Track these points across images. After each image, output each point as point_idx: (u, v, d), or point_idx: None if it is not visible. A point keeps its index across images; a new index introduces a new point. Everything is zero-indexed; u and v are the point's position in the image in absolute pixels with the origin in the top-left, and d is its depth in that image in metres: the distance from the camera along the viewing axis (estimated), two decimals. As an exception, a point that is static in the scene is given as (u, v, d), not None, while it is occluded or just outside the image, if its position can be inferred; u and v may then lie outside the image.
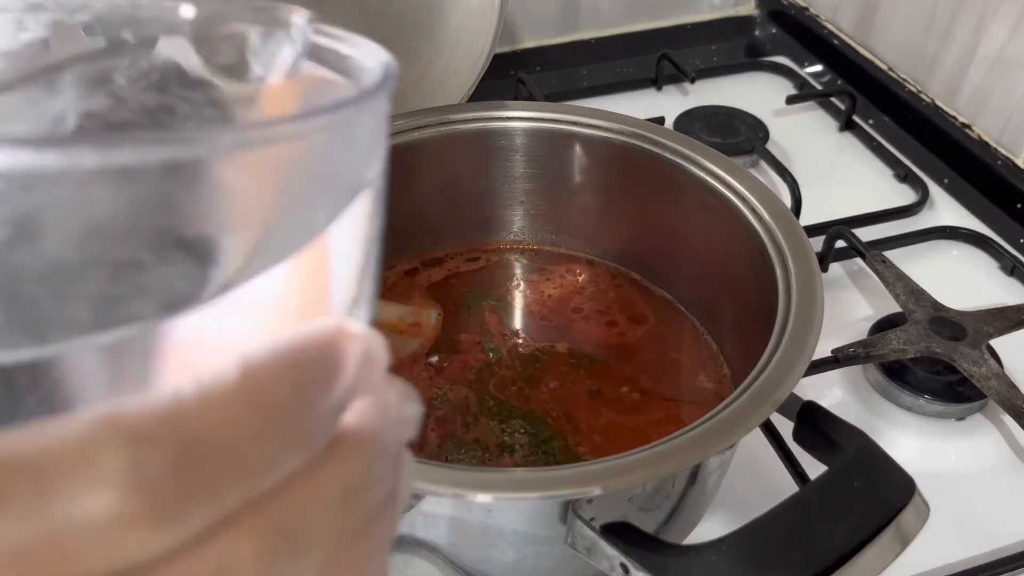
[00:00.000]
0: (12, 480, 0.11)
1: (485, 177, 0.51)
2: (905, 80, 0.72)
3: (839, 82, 0.75)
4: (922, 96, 0.70)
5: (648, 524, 0.36)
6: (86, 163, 0.11)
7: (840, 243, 0.57)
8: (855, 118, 0.69)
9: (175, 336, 0.13)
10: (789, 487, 0.43)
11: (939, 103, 0.69)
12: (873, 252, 0.56)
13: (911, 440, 0.47)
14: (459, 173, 0.51)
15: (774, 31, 0.82)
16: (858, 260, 0.57)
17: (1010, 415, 0.46)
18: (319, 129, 0.13)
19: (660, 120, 0.67)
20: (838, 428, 0.35)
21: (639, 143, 0.47)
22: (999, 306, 0.51)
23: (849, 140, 0.69)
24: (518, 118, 0.49)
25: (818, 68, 0.77)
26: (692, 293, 0.49)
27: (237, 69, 0.18)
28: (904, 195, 0.63)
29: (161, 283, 0.12)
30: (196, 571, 0.12)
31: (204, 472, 0.12)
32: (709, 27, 0.82)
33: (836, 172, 0.66)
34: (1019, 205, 0.62)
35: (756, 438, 0.46)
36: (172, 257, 0.12)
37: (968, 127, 0.67)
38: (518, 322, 0.50)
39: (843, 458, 0.33)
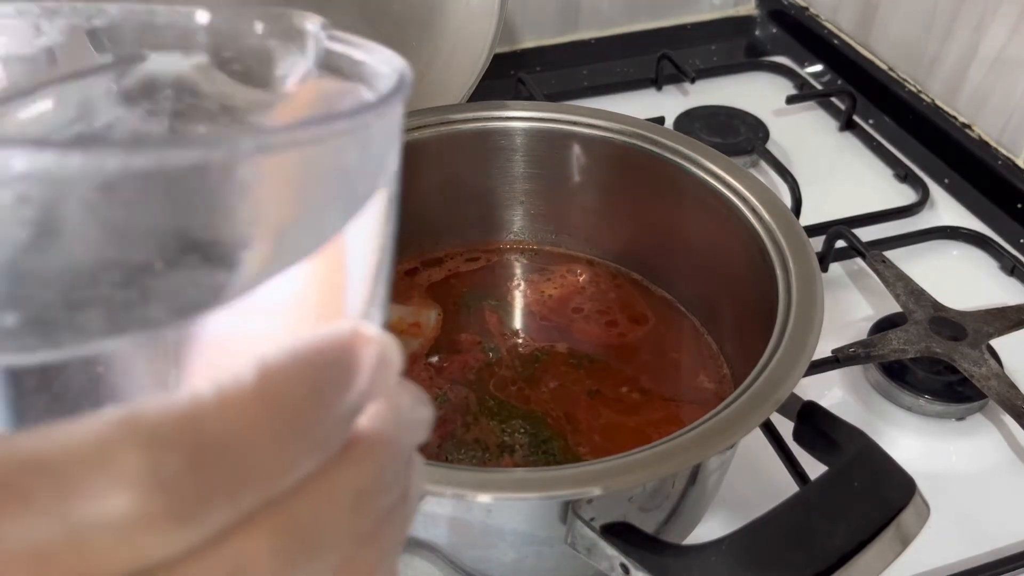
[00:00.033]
0: (33, 480, 0.11)
1: (485, 177, 0.51)
2: (905, 80, 0.72)
3: (839, 82, 0.75)
4: (922, 96, 0.70)
5: (648, 524, 0.36)
6: (110, 165, 0.11)
7: (840, 243, 0.57)
8: (855, 118, 0.69)
9: (195, 338, 0.13)
10: (789, 487, 0.43)
11: (939, 103, 0.69)
12: (873, 252, 0.56)
13: (911, 440, 0.47)
14: (459, 173, 0.51)
15: (774, 31, 0.82)
16: (858, 260, 0.57)
17: (1010, 415, 0.46)
18: (337, 133, 0.13)
19: (660, 120, 0.67)
20: (838, 428, 0.35)
21: (639, 143, 0.47)
22: (999, 306, 0.51)
23: (849, 140, 0.69)
24: (518, 118, 0.49)
25: (818, 68, 0.77)
26: (692, 293, 0.49)
27: (251, 75, 0.18)
28: (904, 195, 0.63)
29: (179, 286, 0.13)
30: (213, 571, 0.12)
31: (222, 473, 0.12)
32: (709, 27, 0.82)
33: (836, 172, 0.66)
34: (1019, 205, 0.62)
35: (756, 438, 0.46)
36: (192, 260, 0.13)
37: (968, 127, 0.67)
38: (518, 322, 0.50)
39: (843, 458, 0.33)
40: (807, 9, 0.81)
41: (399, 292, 0.51)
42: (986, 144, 0.65)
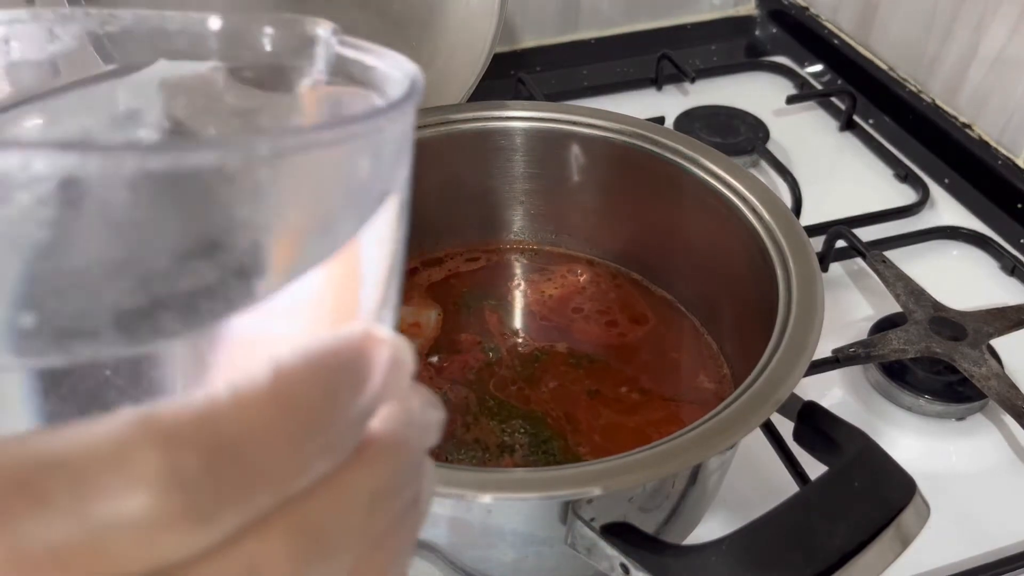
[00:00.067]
0: (51, 479, 0.11)
1: (485, 177, 0.51)
2: (905, 80, 0.72)
3: (839, 82, 0.75)
4: (922, 96, 0.70)
5: (648, 524, 0.35)
6: (128, 167, 0.11)
7: (840, 243, 0.57)
8: (855, 118, 0.69)
9: (213, 340, 0.13)
10: (789, 487, 0.43)
11: (939, 103, 0.69)
12: (873, 252, 0.56)
13: (911, 440, 0.47)
14: (459, 173, 0.51)
15: (774, 31, 0.82)
16: (858, 260, 0.57)
17: (1010, 415, 0.46)
18: (351, 137, 0.13)
19: (660, 120, 0.67)
20: (838, 428, 0.35)
21: (639, 143, 0.47)
22: (999, 306, 0.51)
23: (849, 140, 0.69)
24: (518, 118, 0.49)
25: (818, 68, 0.77)
26: (692, 293, 0.49)
27: (263, 81, 0.18)
28: (904, 195, 0.63)
29: (199, 292, 0.13)
30: (229, 571, 0.12)
31: (238, 473, 0.12)
32: (709, 27, 0.82)
33: (836, 172, 0.66)
34: (1019, 205, 0.62)
35: (756, 438, 0.46)
36: (211, 265, 0.13)
37: (968, 127, 0.67)
38: (518, 322, 0.50)
39: (843, 458, 0.33)
40: (807, 9, 0.81)
41: (399, 292, 0.51)
42: (986, 144, 0.65)
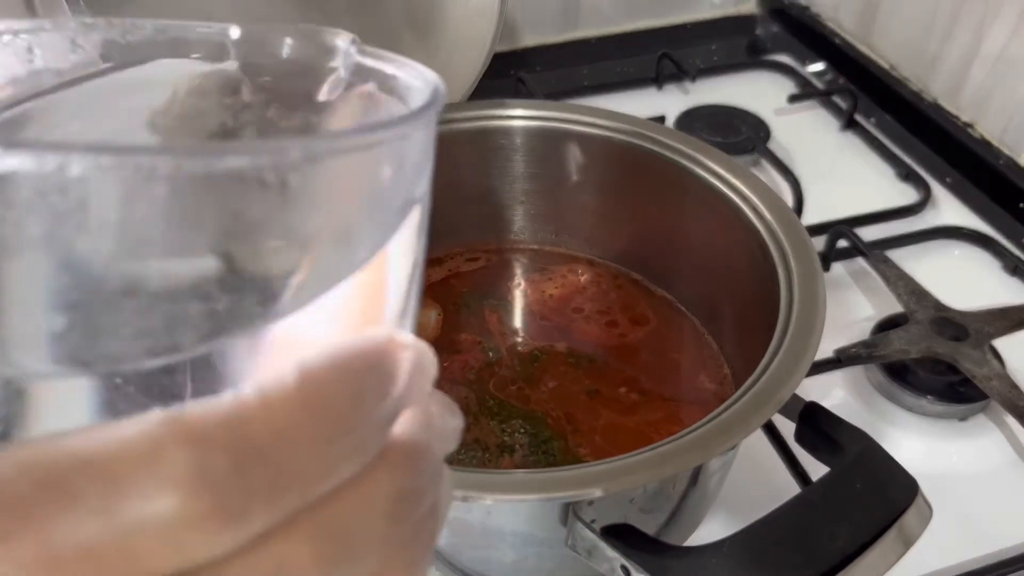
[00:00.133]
0: (81, 479, 0.11)
1: (485, 177, 0.51)
2: (907, 79, 0.72)
3: (841, 81, 0.75)
4: (924, 95, 0.70)
5: (649, 526, 0.35)
6: (162, 169, 0.11)
7: (842, 243, 0.56)
8: (857, 117, 0.69)
9: (245, 349, 0.13)
10: (791, 488, 0.43)
11: (941, 102, 0.69)
12: (875, 252, 0.55)
13: (913, 441, 0.47)
14: (459, 173, 0.51)
15: (775, 30, 0.82)
16: (860, 260, 0.57)
17: (1012, 415, 0.45)
18: (378, 142, 0.14)
19: (661, 119, 0.67)
20: (840, 429, 0.35)
21: (640, 142, 0.47)
22: (1002, 306, 0.51)
23: (851, 139, 0.69)
24: (518, 117, 0.49)
25: (820, 67, 0.77)
26: (693, 293, 0.49)
27: (283, 90, 0.18)
28: (906, 194, 0.63)
29: (233, 300, 0.13)
30: (256, 572, 0.12)
31: (265, 474, 0.12)
32: (710, 26, 0.82)
33: (838, 171, 0.66)
34: (1021, 204, 0.61)
35: (758, 439, 0.45)
36: (244, 273, 0.13)
37: (970, 126, 0.67)
38: (518, 322, 0.49)
39: (845, 459, 0.33)
40: (808, 8, 0.81)
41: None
42: (988, 143, 0.65)
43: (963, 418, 0.48)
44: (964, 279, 0.57)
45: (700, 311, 0.49)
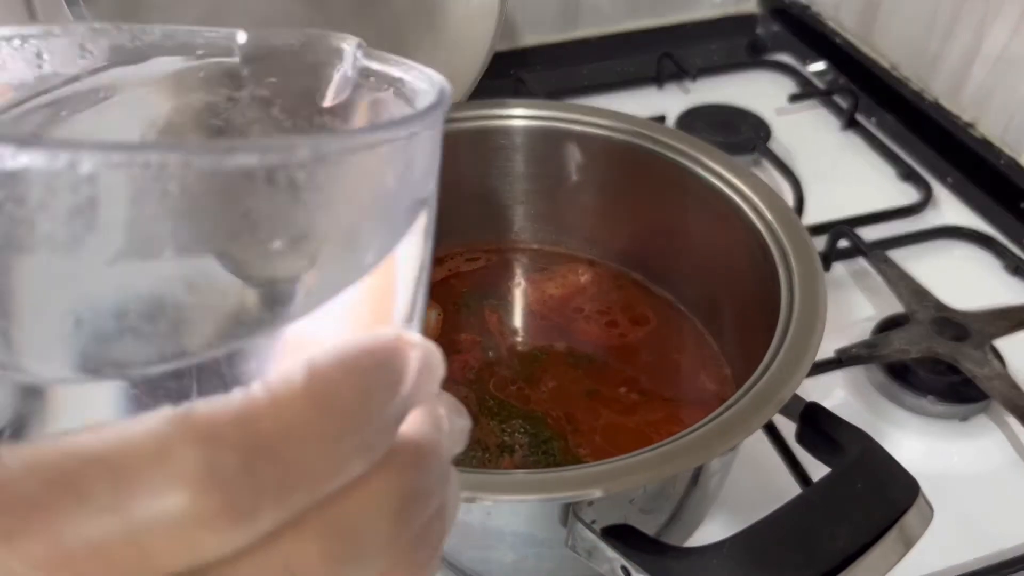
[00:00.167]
0: (92, 476, 0.11)
1: (485, 177, 0.51)
2: (908, 79, 0.71)
3: (841, 80, 0.75)
4: (925, 95, 0.70)
5: (649, 527, 0.35)
6: (173, 165, 0.11)
7: (843, 242, 0.56)
8: (858, 117, 0.69)
9: (256, 350, 0.13)
10: (792, 489, 0.43)
11: (942, 102, 0.69)
12: (876, 252, 0.55)
13: (914, 441, 0.47)
14: (459, 173, 0.51)
15: (776, 29, 0.82)
16: (861, 260, 0.57)
17: (1014, 416, 0.45)
18: (386, 140, 0.14)
19: (661, 119, 0.67)
20: (841, 429, 0.35)
21: (640, 142, 0.47)
22: (1003, 306, 0.51)
23: (852, 139, 0.69)
24: (518, 117, 0.49)
25: (820, 66, 0.77)
26: (694, 293, 0.49)
27: (290, 94, 0.18)
28: (907, 194, 0.63)
29: (247, 302, 0.13)
30: (265, 571, 0.12)
31: (274, 472, 0.12)
32: (711, 25, 0.82)
33: (839, 171, 0.66)
34: (1022, 204, 0.61)
35: (758, 440, 0.45)
36: (251, 276, 0.13)
37: (971, 126, 0.67)
38: (518, 322, 0.49)
39: (846, 460, 0.32)
40: (809, 7, 0.81)
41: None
42: (989, 143, 0.65)
43: (964, 418, 0.48)
44: (965, 279, 0.56)
45: (701, 311, 0.49)
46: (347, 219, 0.14)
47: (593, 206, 0.51)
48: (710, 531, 0.41)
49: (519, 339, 0.48)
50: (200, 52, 0.18)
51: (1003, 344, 0.49)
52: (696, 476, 0.36)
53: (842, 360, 0.48)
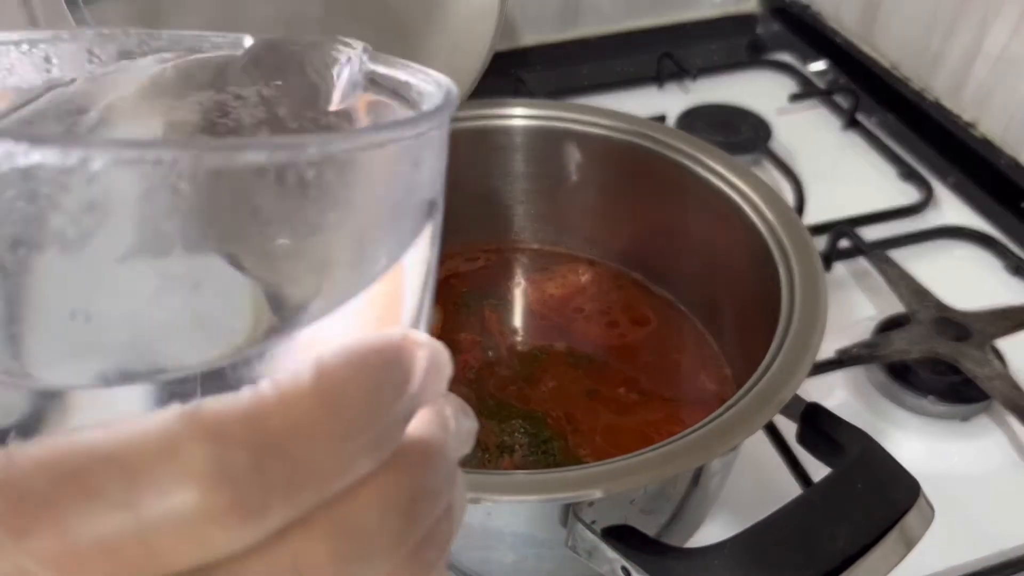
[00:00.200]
0: (102, 473, 0.11)
1: (485, 177, 0.51)
2: (908, 78, 0.71)
3: (842, 80, 0.75)
4: (925, 94, 0.70)
5: (650, 527, 0.35)
6: (183, 163, 0.11)
7: (844, 242, 0.56)
8: (858, 116, 0.69)
9: (268, 352, 0.13)
10: (792, 489, 0.43)
11: (943, 101, 0.69)
12: (877, 251, 0.55)
13: (915, 442, 0.47)
14: (459, 173, 0.50)
15: (776, 29, 0.82)
16: (862, 260, 0.56)
17: (1015, 416, 0.45)
18: (394, 140, 0.14)
19: (662, 118, 0.67)
20: (841, 430, 0.35)
21: (641, 141, 0.47)
22: (1004, 306, 0.51)
23: (852, 138, 0.69)
24: (518, 116, 0.49)
25: (821, 66, 0.77)
26: (694, 293, 0.49)
27: (296, 97, 0.18)
28: (908, 194, 0.63)
29: (254, 308, 0.13)
30: (274, 569, 0.12)
31: (283, 470, 0.12)
32: (711, 24, 0.82)
33: (839, 171, 0.66)
34: (1023, 204, 0.61)
35: (759, 440, 0.45)
36: (260, 279, 0.13)
37: (972, 125, 0.66)
38: (518, 322, 0.49)
39: (847, 460, 0.32)
40: (809, 7, 0.81)
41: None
42: (990, 143, 0.65)
43: (965, 419, 0.48)
44: (966, 279, 0.56)
45: (701, 311, 0.49)
46: (356, 219, 0.14)
47: (593, 206, 0.51)
48: (711, 532, 0.41)
49: (519, 339, 0.48)
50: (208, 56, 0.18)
51: (1004, 344, 0.49)
52: (697, 477, 0.36)
53: (843, 360, 0.48)
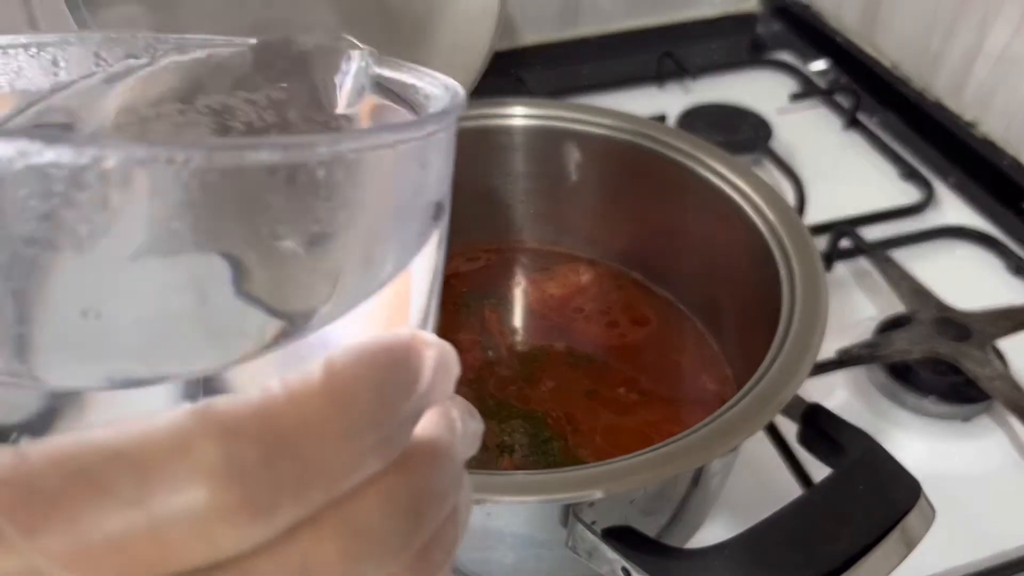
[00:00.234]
0: (113, 470, 0.11)
1: (485, 177, 0.51)
2: (909, 78, 0.71)
3: (843, 80, 0.75)
4: (926, 94, 0.70)
5: (650, 528, 0.35)
6: (195, 163, 0.11)
7: (844, 242, 0.56)
8: (859, 116, 0.69)
9: (265, 362, 0.13)
10: (793, 490, 0.43)
11: (944, 101, 0.69)
12: (878, 252, 0.55)
13: (916, 442, 0.47)
14: (459, 173, 0.50)
15: (777, 28, 0.82)
16: (862, 260, 0.56)
17: (1015, 416, 0.45)
18: (403, 140, 0.14)
19: (662, 118, 0.67)
20: (842, 430, 0.34)
21: (641, 141, 0.47)
22: (1005, 306, 0.51)
23: (853, 138, 0.68)
24: (518, 116, 0.49)
25: (822, 65, 0.77)
26: (694, 294, 0.49)
27: (302, 100, 0.18)
28: (909, 194, 0.63)
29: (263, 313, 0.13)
30: (283, 567, 0.12)
31: (293, 468, 0.12)
32: (711, 24, 0.82)
33: (840, 170, 0.66)
34: (1024, 204, 0.61)
35: (759, 440, 0.45)
36: (270, 283, 0.13)
37: (973, 125, 0.66)
38: (518, 322, 0.49)
39: (847, 461, 0.32)
40: (810, 6, 0.81)
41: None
42: (991, 142, 0.65)
43: (966, 419, 0.48)
44: (967, 279, 0.56)
45: (701, 311, 0.49)
46: (365, 220, 0.14)
47: (593, 206, 0.51)
48: (711, 532, 0.41)
49: (519, 339, 0.48)
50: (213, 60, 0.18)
51: (1005, 344, 0.49)
52: (697, 477, 0.36)
53: (843, 360, 0.48)
